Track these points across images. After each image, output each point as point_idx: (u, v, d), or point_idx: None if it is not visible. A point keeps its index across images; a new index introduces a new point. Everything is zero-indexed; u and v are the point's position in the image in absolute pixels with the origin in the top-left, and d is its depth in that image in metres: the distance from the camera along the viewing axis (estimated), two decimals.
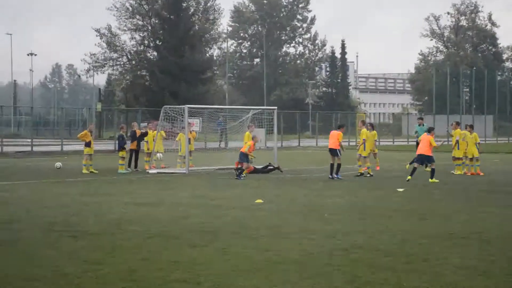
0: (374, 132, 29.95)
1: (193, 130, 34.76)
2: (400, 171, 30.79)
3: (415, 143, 35.31)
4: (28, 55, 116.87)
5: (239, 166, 27.68)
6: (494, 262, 11.15)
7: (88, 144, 30.32)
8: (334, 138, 26.80)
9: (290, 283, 9.79)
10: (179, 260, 11.18)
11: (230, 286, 9.67)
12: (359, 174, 28.18)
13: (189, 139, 31.87)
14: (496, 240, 13.18)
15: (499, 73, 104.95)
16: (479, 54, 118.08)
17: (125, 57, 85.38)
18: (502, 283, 9.93)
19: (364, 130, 28.69)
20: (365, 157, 28.38)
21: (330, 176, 26.47)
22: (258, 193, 21.45)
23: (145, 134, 32.22)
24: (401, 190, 22.49)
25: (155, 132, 32.33)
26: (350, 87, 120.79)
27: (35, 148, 48.03)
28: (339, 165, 26.49)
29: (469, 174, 29.02)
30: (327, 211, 17.10)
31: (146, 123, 41.76)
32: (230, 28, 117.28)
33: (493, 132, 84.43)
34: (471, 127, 29.94)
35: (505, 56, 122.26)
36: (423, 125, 33.23)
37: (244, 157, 27.69)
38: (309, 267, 10.76)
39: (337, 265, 10.86)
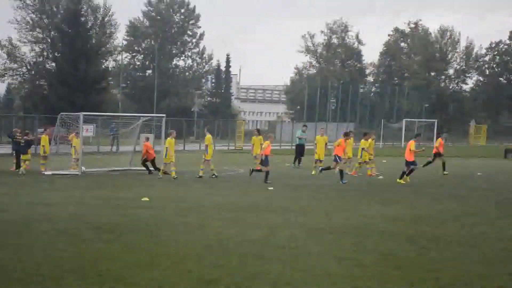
0: (262, 138, 32.59)
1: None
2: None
3: (294, 147, 37.63)
4: None
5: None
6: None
7: None
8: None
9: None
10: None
11: (131, 278, 9.53)
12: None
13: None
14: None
15: (362, 86, 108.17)
16: (346, 69, 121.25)
17: (24, 67, 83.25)
18: (372, 272, 10.06)
19: (208, 136, 29.31)
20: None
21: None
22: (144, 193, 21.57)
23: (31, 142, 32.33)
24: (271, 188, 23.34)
25: (46, 137, 32.47)
26: (232, 97, 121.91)
27: None
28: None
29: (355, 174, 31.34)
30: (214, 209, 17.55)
31: (42, 129, 41.18)
32: (125, 42, 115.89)
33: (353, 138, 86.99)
34: (365, 134, 33.56)
35: (367, 71, 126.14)
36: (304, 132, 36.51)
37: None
38: None
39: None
